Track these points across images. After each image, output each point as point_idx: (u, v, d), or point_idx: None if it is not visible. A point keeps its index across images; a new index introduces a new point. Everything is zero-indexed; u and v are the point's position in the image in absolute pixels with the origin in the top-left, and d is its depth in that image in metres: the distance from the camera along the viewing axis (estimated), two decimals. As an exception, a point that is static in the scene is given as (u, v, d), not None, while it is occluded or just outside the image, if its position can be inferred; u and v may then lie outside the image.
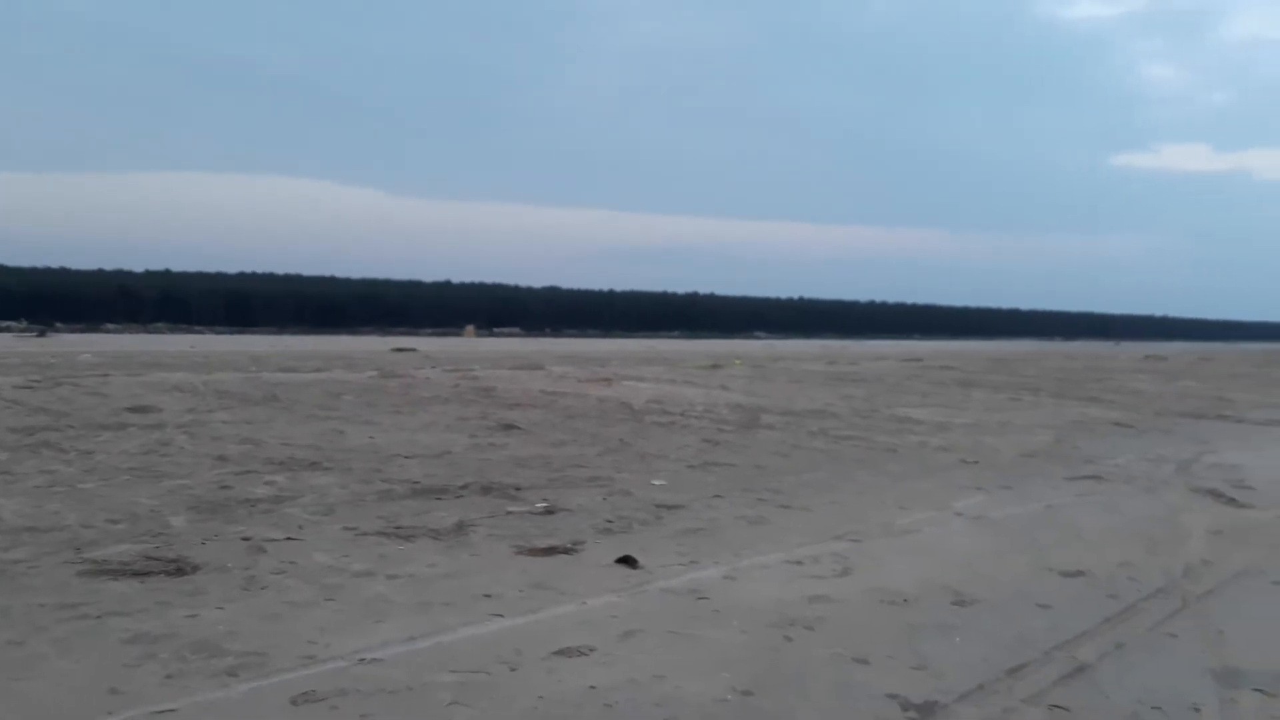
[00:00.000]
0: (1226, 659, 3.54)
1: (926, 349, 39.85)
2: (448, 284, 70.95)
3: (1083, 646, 3.63)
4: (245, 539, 4.76)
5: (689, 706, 2.92)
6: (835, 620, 3.82)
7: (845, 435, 9.69)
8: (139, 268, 61.47)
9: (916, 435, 9.95)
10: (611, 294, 75.16)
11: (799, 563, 4.69)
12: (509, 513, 5.58)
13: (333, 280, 67.03)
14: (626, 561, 4.54)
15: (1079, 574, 4.68)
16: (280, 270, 66.79)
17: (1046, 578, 4.61)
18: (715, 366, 20.25)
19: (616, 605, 3.92)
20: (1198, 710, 3.08)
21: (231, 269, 64.77)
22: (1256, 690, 3.25)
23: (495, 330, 54.16)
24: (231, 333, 42.38)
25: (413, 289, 66.83)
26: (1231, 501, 6.77)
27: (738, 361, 22.50)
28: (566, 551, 4.78)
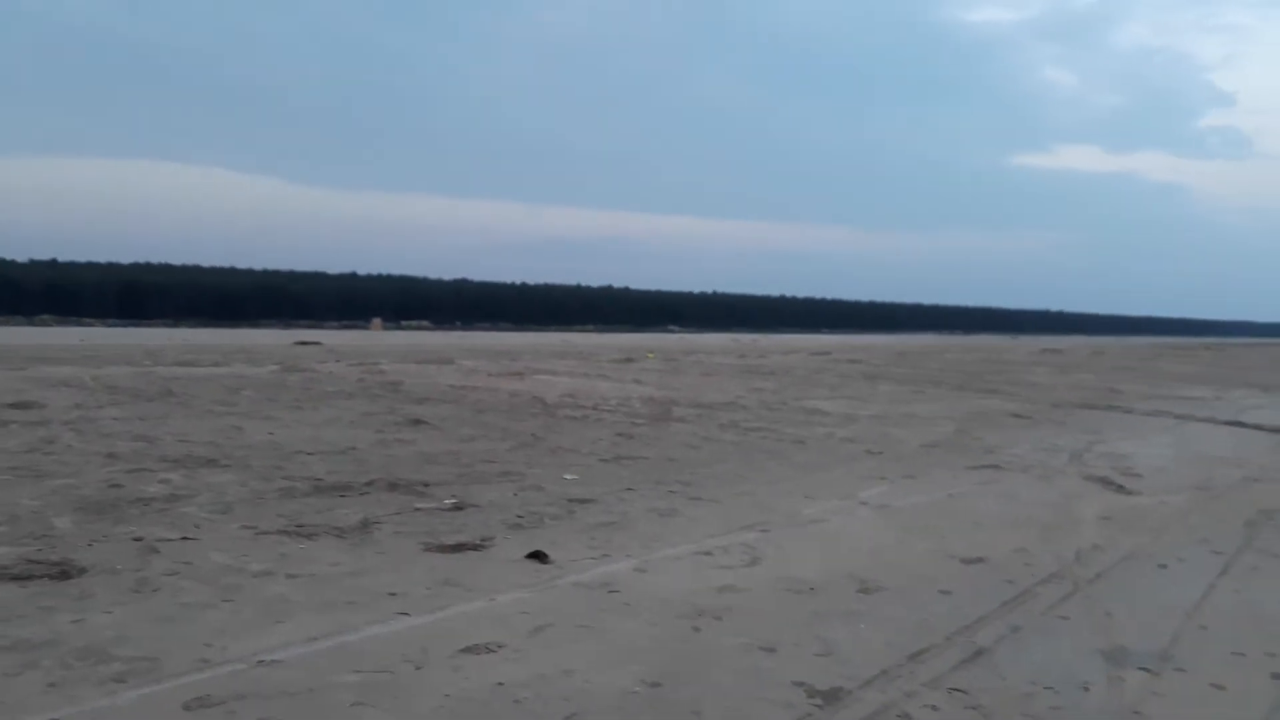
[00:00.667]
0: (1114, 639, 3.71)
1: (834, 343, 40.66)
2: (353, 276, 69.48)
3: (981, 630, 3.76)
4: (137, 540, 4.58)
5: (597, 700, 2.92)
6: (743, 610, 3.87)
7: (755, 427, 9.83)
8: (22, 257, 58.69)
9: (824, 427, 10.15)
10: (524, 287, 74.69)
11: (708, 554, 4.74)
12: (416, 509, 5.50)
13: (233, 271, 65.05)
14: (537, 556, 4.52)
15: (978, 560, 4.85)
16: (177, 261, 64.58)
17: (948, 564, 4.76)
18: (628, 360, 20.30)
19: (526, 601, 3.90)
20: (1087, 688, 3.21)
21: (125, 259, 62.31)
22: (1141, 669, 3.41)
23: (403, 323, 53.28)
24: (125, 325, 40.74)
25: (317, 281, 65.30)
26: (1120, 489, 7.09)
27: (650, 355, 22.60)
28: (476, 548, 4.73)
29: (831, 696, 3.03)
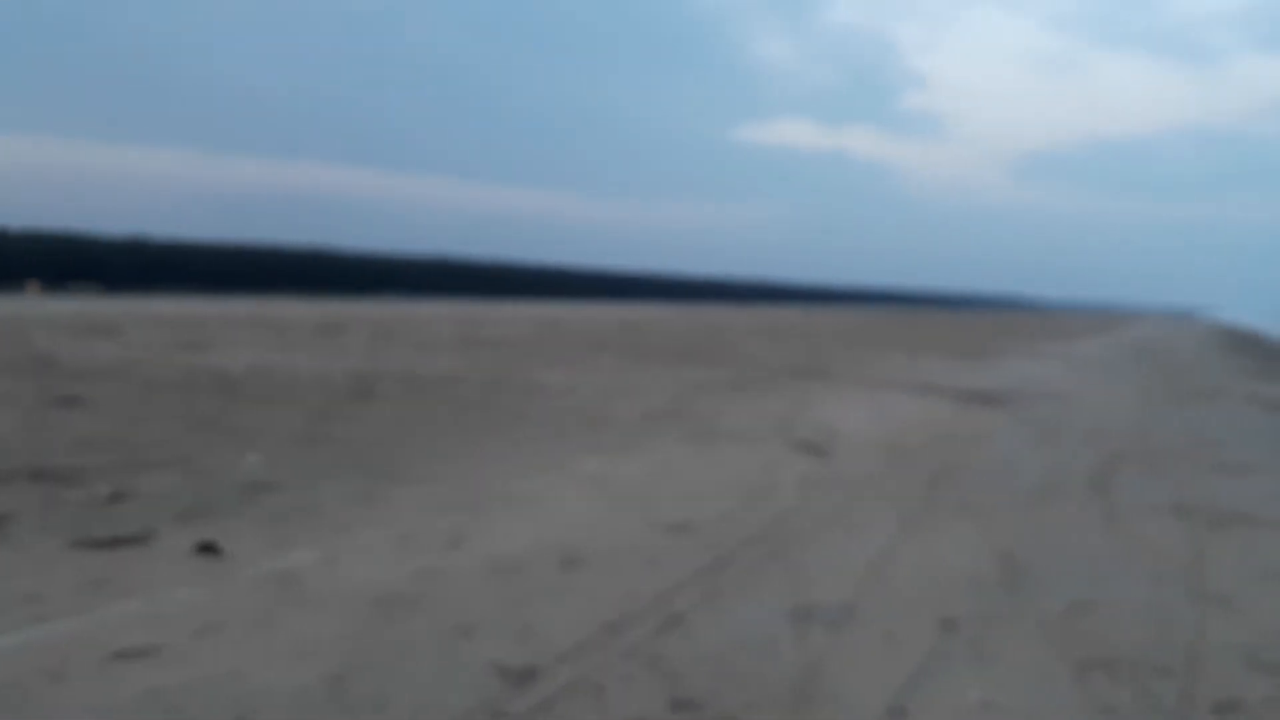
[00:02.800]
0: (803, 598, 4.06)
1: (562, 313, 41.31)
2: (2, 232, 61.73)
3: (680, 597, 3.98)
4: None
5: (268, 700, 2.82)
6: (440, 594, 3.87)
7: (472, 401, 9.80)
8: None
9: (544, 399, 10.30)
10: (216, 247, 69.54)
11: (408, 537, 4.68)
12: (66, 501, 5.02)
13: None
14: (208, 549, 4.27)
15: (684, 527, 5.13)
16: None
17: (655, 533, 5.00)
18: (331, 330, 19.55)
19: (193, 598, 3.68)
20: (775, 646, 3.50)
21: None
22: (825, 623, 3.76)
23: (68, 286, 48.11)
24: None
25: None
26: (820, 453, 7.74)
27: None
28: (135, 542, 4.39)
29: (526, 674, 3.10)
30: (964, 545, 5.12)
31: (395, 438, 7.54)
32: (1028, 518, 5.85)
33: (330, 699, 2.86)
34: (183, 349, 13.39)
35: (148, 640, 3.21)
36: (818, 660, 3.40)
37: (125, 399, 8.64)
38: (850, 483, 6.63)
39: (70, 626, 3.34)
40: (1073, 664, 3.59)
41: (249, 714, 2.73)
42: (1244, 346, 35.76)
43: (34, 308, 28.28)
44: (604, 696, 3.01)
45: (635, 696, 3.03)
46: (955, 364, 19.29)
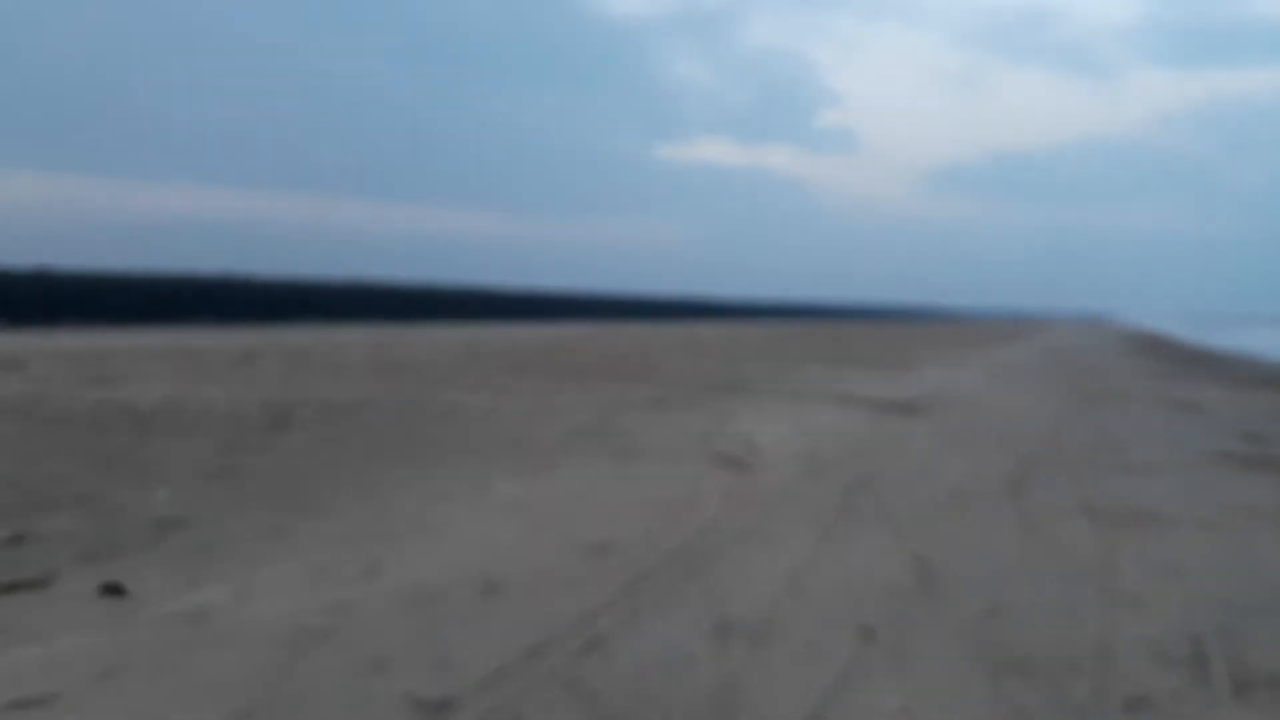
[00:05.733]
0: (723, 613, 4.08)
1: (483, 334, 41.00)
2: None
3: (601, 618, 3.97)
4: None
5: (173, 745, 2.73)
6: (355, 627, 3.79)
7: (389, 428, 9.65)
8: None
9: (464, 423, 10.20)
10: (125, 277, 67.59)
11: (321, 570, 4.58)
12: (-42, 548, 4.80)
13: None
14: (113, 590, 4.13)
15: (605, 548, 5.11)
16: None
17: (575, 555, 4.97)
18: (247, 356, 19.10)
19: (95, 642, 3.55)
20: (695, 662, 3.51)
21: None
22: (745, 638, 3.78)
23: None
24: None
25: None
26: (740, 467, 7.80)
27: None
28: (37, 585, 4.22)
29: (442, 705, 3.06)
30: (881, 554, 5.19)
31: (310, 468, 7.38)
32: (943, 524, 5.97)
33: (238, 741, 2.78)
34: (90, 383, 12.95)
35: (46, 688, 3.09)
36: (737, 675, 3.41)
37: (28, 437, 8.32)
38: (770, 496, 6.69)
39: (-39, 679, 3.19)
40: (988, 667, 3.67)
41: (152, 761, 2.64)
42: (1149, 349, 37.12)
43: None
44: (522, 723, 2.97)
45: (554, 721, 3.00)
46: (873, 375, 19.62)
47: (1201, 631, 4.15)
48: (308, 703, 3.05)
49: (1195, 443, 10.25)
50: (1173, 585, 4.86)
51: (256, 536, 5.26)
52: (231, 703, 3.02)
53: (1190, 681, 3.61)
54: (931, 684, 3.48)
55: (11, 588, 4.18)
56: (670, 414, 11.78)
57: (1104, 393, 16.32)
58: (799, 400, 13.93)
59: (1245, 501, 7.03)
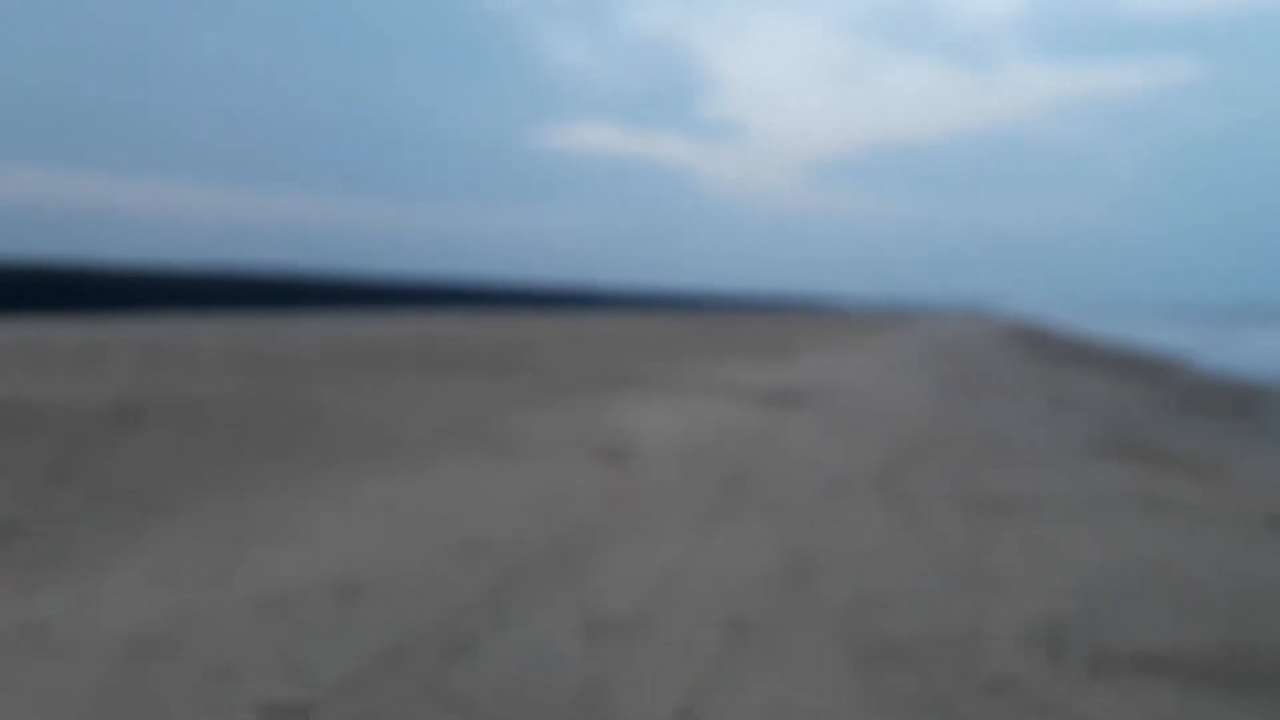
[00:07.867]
0: (594, 611, 4.12)
1: (354, 327, 40.18)
2: None
3: (467, 619, 3.96)
4: None
5: (-2, 768, 2.62)
6: (202, 634, 3.70)
7: (248, 426, 9.39)
8: None
9: (330, 420, 9.99)
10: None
11: (169, 575, 4.45)
12: None
13: None
14: (-67, 604, 3.92)
15: (475, 547, 5.10)
16: None
17: (443, 556, 4.94)
18: (95, 350, 18.29)
19: (-88, 661, 3.37)
20: (565, 661, 3.54)
21: None
22: (618, 634, 3.82)
23: None
24: None
25: None
26: (619, 461, 7.86)
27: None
28: None
29: (297, 714, 3.01)
30: (756, 546, 5.32)
31: (160, 468, 7.13)
32: (819, 515, 6.15)
33: (71, 760, 2.68)
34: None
35: None
36: (607, 673, 3.45)
37: None
38: (648, 490, 6.76)
39: None
40: (858, 655, 3.81)
41: (-27, 785, 2.53)
42: (1028, 338, 38.81)
43: None
44: (382, 729, 2.96)
45: (415, 726, 2.99)
46: (756, 365, 19.99)
47: (1065, 614, 4.38)
48: (152, 715, 2.96)
49: (1066, 431, 10.79)
50: (1040, 571, 5.11)
51: (100, 541, 5.06)
52: (70, 718, 2.91)
53: (1051, 663, 3.81)
54: (802, 674, 3.59)
55: None
56: (549, 409, 11.78)
57: (982, 383, 17.00)
58: (682, 392, 14.10)
59: (1112, 488, 7.44)
